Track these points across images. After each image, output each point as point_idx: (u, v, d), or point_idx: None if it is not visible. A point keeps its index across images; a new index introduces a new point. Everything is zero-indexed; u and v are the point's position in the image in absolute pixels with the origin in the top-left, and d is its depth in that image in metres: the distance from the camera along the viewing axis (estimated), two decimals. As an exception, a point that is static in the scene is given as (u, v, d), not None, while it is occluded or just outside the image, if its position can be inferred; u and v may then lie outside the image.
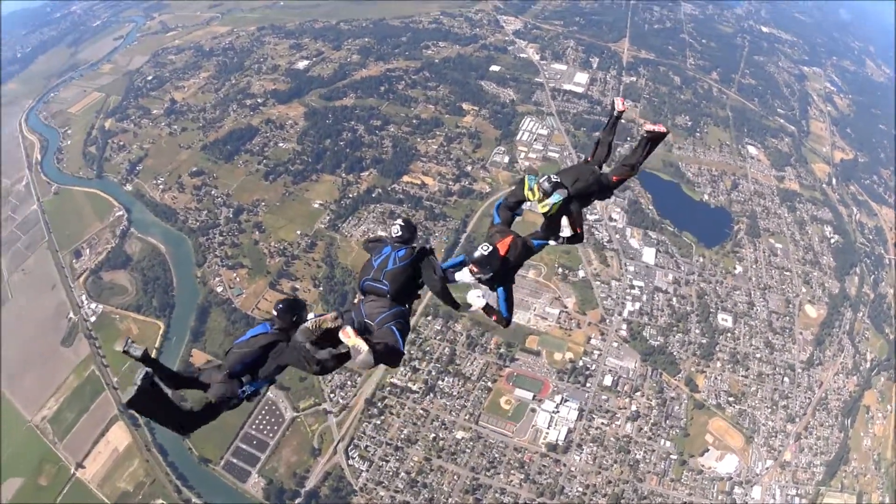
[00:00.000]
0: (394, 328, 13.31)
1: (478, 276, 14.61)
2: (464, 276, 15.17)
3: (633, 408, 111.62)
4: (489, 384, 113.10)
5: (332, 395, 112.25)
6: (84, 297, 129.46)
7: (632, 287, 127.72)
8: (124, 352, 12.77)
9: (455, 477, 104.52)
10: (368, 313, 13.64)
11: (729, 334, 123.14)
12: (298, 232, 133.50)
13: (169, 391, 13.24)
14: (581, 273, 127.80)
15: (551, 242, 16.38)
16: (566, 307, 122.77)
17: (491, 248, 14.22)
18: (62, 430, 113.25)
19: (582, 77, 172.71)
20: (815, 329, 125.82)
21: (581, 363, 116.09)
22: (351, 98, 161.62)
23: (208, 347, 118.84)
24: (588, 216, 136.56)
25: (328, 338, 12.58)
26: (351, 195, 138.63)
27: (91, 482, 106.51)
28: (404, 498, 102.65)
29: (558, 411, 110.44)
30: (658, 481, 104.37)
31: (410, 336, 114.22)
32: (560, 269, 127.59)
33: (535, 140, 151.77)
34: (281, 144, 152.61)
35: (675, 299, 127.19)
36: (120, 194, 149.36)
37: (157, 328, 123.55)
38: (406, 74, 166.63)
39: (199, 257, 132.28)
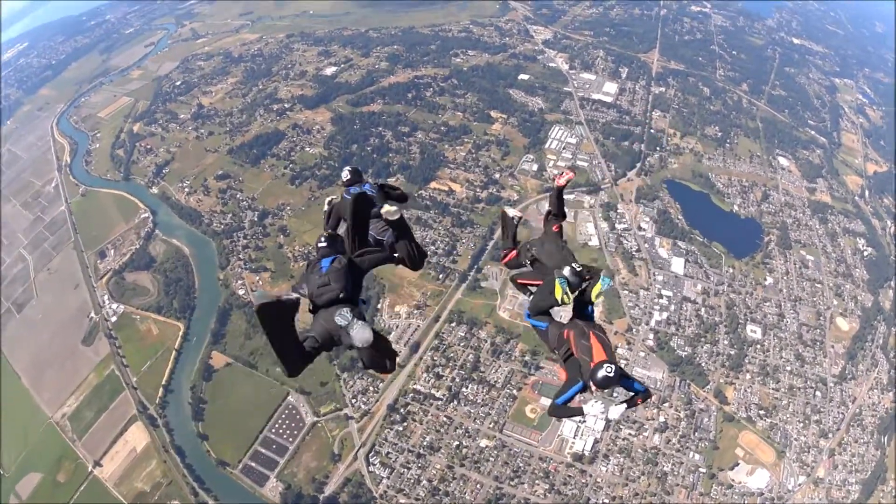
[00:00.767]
0: None
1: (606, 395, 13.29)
2: (595, 408, 13.86)
3: (661, 419, 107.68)
4: (514, 392, 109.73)
5: (353, 401, 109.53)
6: (106, 298, 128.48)
7: (660, 296, 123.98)
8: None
9: (478, 486, 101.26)
10: None
11: (758, 346, 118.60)
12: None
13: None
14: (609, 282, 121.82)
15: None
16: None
17: (613, 366, 12.94)
18: (81, 427, 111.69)
19: (611, 87, 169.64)
20: (846, 342, 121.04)
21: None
22: (378, 104, 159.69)
23: (228, 350, 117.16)
24: (617, 225, 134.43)
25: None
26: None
27: (108, 481, 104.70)
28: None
29: (584, 421, 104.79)
30: (686, 495, 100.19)
31: (434, 342, 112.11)
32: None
33: (564, 148, 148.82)
34: (308, 149, 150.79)
35: (703, 310, 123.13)
36: (146, 196, 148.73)
37: (176, 329, 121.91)
38: (434, 82, 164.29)
39: (222, 260, 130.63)
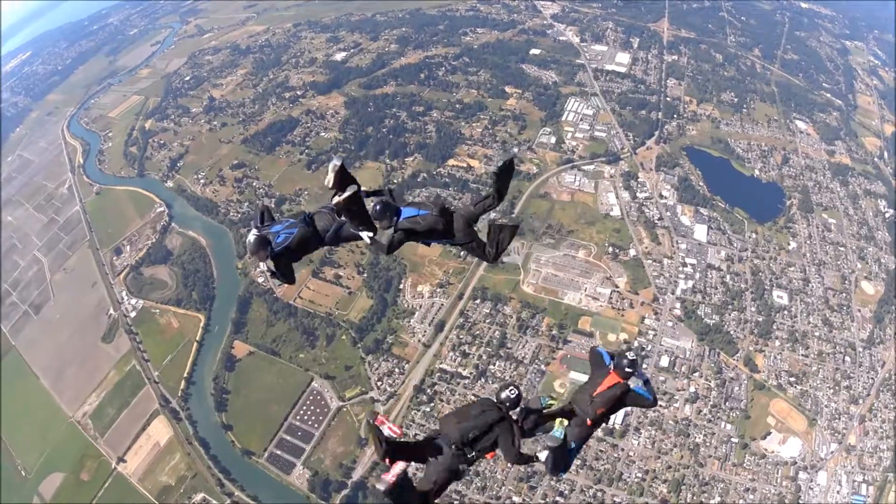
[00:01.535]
0: None
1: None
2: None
3: (692, 389, 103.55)
4: (542, 367, 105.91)
5: (379, 383, 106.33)
6: (124, 294, 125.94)
7: (684, 265, 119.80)
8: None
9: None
10: None
11: (786, 312, 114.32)
12: None
13: None
14: (632, 252, 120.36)
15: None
16: (617, 287, 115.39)
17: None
18: (103, 425, 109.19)
19: (623, 57, 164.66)
20: (873, 306, 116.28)
21: (636, 344, 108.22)
22: (391, 86, 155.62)
23: (250, 338, 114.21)
24: (638, 194, 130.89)
25: None
26: (395, 181, 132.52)
27: (132, 476, 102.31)
28: (455, 487, 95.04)
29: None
30: (720, 466, 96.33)
31: (459, 320, 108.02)
32: (610, 248, 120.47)
33: (581, 120, 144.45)
34: (323, 134, 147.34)
35: (728, 277, 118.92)
36: (161, 191, 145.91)
37: (197, 321, 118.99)
38: (446, 61, 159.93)
39: (240, 249, 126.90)
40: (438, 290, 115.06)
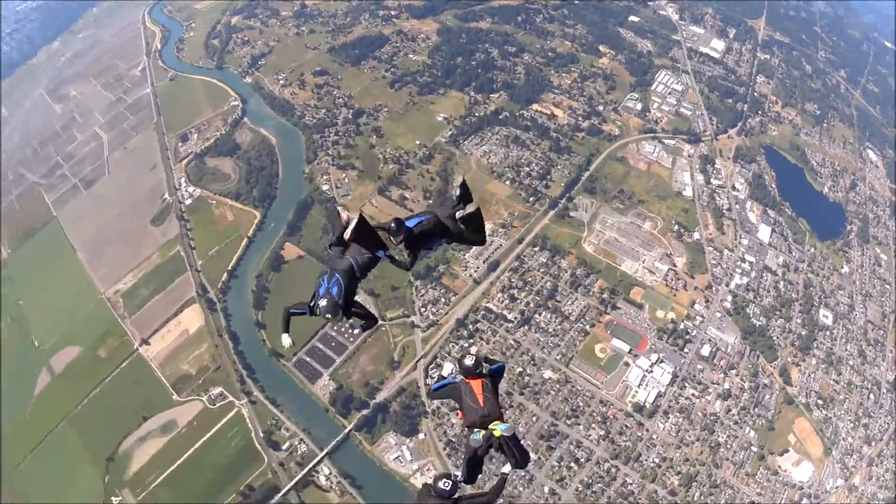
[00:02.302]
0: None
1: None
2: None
3: (726, 385, 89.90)
4: (587, 328, 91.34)
5: (422, 310, 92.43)
6: (183, 181, 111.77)
7: (743, 260, 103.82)
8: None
9: (534, 418, 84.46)
10: None
11: (828, 332, 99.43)
12: (417, 142, 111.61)
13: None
14: (696, 235, 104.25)
15: None
16: (675, 266, 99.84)
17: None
18: (134, 305, 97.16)
19: (718, 44, 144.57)
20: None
21: (682, 326, 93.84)
22: (487, 22, 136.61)
23: (303, 242, 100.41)
24: (712, 179, 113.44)
25: None
26: (477, 114, 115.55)
27: (153, 360, 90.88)
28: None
29: (652, 371, 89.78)
30: (734, 471, 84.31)
31: (513, 264, 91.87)
32: (676, 227, 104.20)
33: (670, 94, 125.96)
34: (411, 56, 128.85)
35: (782, 283, 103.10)
36: (238, 85, 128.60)
37: (252, 217, 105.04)
38: (545, 9, 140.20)
39: (310, 154, 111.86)
40: (500, 229, 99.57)
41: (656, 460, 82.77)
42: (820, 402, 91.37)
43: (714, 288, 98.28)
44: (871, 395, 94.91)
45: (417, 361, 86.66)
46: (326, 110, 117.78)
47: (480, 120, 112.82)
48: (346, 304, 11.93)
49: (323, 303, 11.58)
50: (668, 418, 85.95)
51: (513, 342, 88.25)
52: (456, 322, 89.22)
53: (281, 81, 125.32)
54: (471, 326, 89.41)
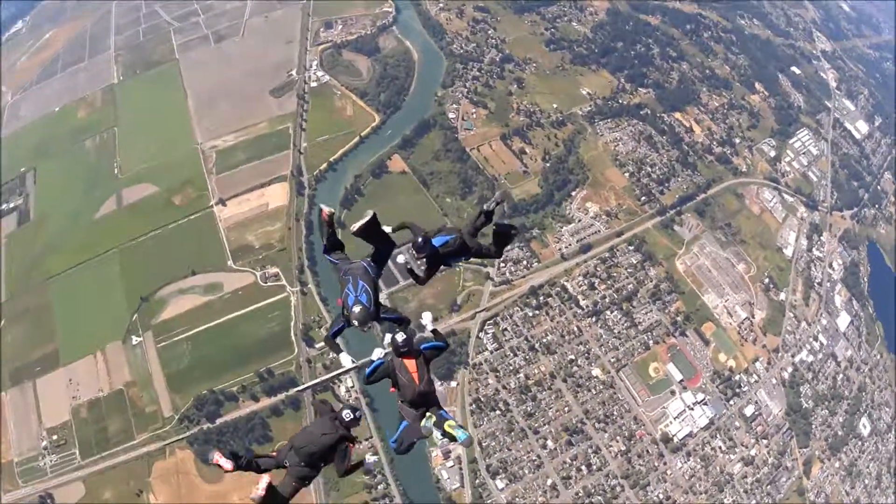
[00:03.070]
0: None
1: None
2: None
3: (753, 452, 76.25)
4: (650, 343, 77.42)
5: (502, 265, 78.30)
6: (315, 64, 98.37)
7: (815, 338, 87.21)
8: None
9: (566, 409, 72.15)
10: None
11: (860, 442, 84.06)
12: (555, 105, 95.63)
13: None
14: (782, 296, 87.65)
15: None
16: (753, 317, 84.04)
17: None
18: (225, 165, 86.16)
19: (863, 126, 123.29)
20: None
21: (737, 378, 79.00)
22: (657, 19, 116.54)
23: (411, 160, 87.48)
24: (814, 250, 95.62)
25: None
26: (620, 101, 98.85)
27: (223, 222, 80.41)
28: (507, 397, 69.17)
29: (692, 409, 76.06)
30: None
31: (604, 253, 78.16)
32: (767, 280, 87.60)
33: (804, 154, 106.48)
34: (575, 24, 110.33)
35: (841, 376, 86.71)
36: None
37: (371, 119, 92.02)
38: (715, 28, 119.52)
39: (447, 80, 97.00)
40: (604, 216, 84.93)
41: (661, 496, 70.52)
42: (825, 508, 77.01)
43: (780, 353, 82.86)
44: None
45: (478, 312, 74.24)
46: (476, 45, 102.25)
47: (621, 107, 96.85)
48: (376, 310, 9.99)
49: (357, 309, 9.65)
50: (688, 460, 73.00)
51: (575, 328, 75.23)
52: (529, 289, 76.34)
53: (440, 4, 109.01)
54: (542, 298, 76.33)
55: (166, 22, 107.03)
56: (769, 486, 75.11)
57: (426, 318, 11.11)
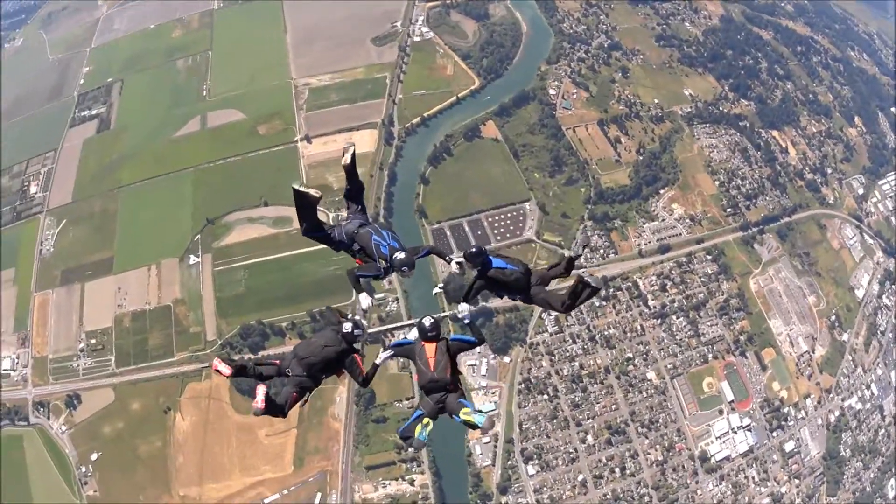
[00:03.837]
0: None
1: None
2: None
3: (783, 489, 65.58)
4: (709, 356, 66.60)
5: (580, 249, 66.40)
6: (421, 19, 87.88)
7: (868, 387, 74.90)
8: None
9: (613, 406, 62.56)
10: None
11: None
12: (656, 101, 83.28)
13: None
14: (845, 337, 75.29)
15: None
16: (813, 352, 72.11)
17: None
18: (317, 103, 77.43)
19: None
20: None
21: (786, 410, 68.08)
22: (769, 34, 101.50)
23: (505, 129, 77.15)
24: (885, 298, 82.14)
25: None
26: (721, 108, 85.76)
27: (305, 158, 72.57)
28: (557, 383, 60.28)
29: (736, 433, 65.28)
30: None
31: (681, 258, 68.29)
32: (833, 317, 75.25)
33: (891, 197, 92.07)
34: (687, 24, 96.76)
35: (882, 431, 74.55)
36: None
37: (471, 82, 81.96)
38: (825, 54, 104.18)
39: (552, 56, 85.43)
40: (688, 220, 73.29)
41: (687, 513, 59.57)
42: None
43: (831, 395, 71.11)
44: None
45: (547, 291, 65.22)
46: (586, 28, 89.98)
47: (721, 115, 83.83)
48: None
49: (401, 256, 8.67)
50: (720, 484, 63.21)
51: (639, 327, 65.03)
52: (601, 278, 66.73)
53: None
54: (611, 290, 66.22)
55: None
56: (784, 530, 63.87)
57: (463, 309, 9.29)
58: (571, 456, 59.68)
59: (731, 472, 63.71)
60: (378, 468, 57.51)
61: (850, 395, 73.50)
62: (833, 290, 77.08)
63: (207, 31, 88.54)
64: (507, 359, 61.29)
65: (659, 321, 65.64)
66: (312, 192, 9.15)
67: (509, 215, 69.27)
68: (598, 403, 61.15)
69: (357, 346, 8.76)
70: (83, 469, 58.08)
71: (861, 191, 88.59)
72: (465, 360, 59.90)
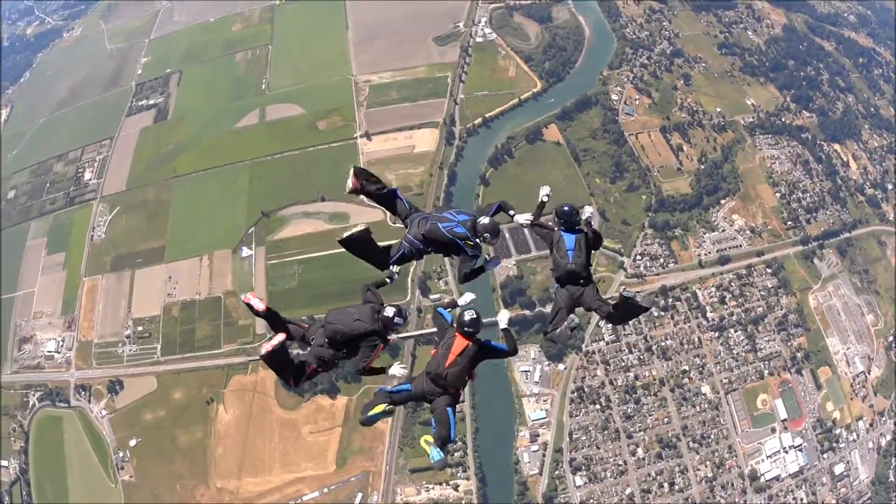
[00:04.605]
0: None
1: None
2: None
3: None
4: (765, 372, 59.61)
5: (638, 257, 62.66)
6: (484, 20, 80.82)
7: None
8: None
9: (665, 419, 56.63)
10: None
11: None
12: (718, 109, 75.54)
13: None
14: (902, 360, 66.16)
15: None
16: (869, 373, 64.14)
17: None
18: (377, 100, 71.62)
19: None
20: None
21: (837, 432, 60.51)
22: (831, 45, 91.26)
23: (567, 133, 70.23)
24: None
25: None
26: (783, 119, 77.46)
27: (364, 155, 66.53)
28: (609, 392, 54.22)
29: (787, 452, 58.46)
30: None
31: (741, 270, 60.49)
32: (892, 338, 66.43)
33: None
34: (749, 33, 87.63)
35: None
36: None
37: (533, 85, 75.01)
38: (887, 67, 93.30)
39: (614, 61, 78.20)
40: (748, 231, 66.17)
41: (729, 537, 54.74)
42: None
43: (884, 419, 63.50)
44: None
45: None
46: (649, 34, 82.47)
47: (783, 126, 75.92)
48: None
49: (484, 220, 7.60)
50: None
51: (696, 339, 58.64)
52: (660, 288, 59.82)
53: None
54: (670, 300, 59.82)
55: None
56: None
57: (503, 317, 7.83)
58: (620, 468, 53.74)
59: (779, 493, 57.07)
60: (422, 471, 52.40)
61: (903, 430, 64.94)
62: (891, 310, 69.00)
63: (268, 25, 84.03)
64: (561, 366, 55.56)
65: (717, 334, 59.18)
66: (356, 230, 7.94)
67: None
68: (650, 416, 55.02)
69: (390, 335, 7.56)
70: (121, 454, 54.64)
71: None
72: (519, 366, 54.73)
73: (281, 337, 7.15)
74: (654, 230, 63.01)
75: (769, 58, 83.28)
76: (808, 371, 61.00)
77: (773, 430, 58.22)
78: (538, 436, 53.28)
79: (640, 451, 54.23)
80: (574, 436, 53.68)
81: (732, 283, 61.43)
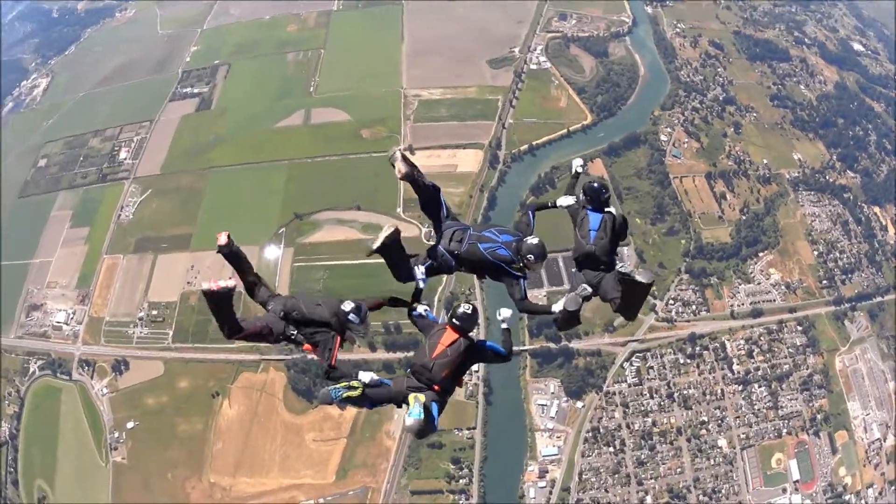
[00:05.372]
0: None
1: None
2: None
3: None
4: (783, 431, 54.31)
5: (670, 303, 57.26)
6: (540, 48, 75.90)
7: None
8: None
9: (678, 469, 51.79)
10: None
11: None
12: (765, 161, 69.34)
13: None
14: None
15: None
16: (885, 440, 57.80)
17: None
18: (425, 115, 67.01)
19: None
20: None
21: (847, 498, 54.54)
22: (881, 106, 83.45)
23: (613, 168, 65.07)
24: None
25: None
26: (827, 177, 70.84)
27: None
28: (625, 436, 49.44)
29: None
30: None
31: (772, 325, 54.37)
32: None
33: None
34: (802, 87, 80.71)
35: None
36: (637, 8, 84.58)
37: (583, 117, 69.51)
38: None
39: (667, 102, 72.45)
40: (783, 286, 60.66)
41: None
42: None
43: (894, 488, 57.34)
44: None
45: (631, 341, 53.30)
46: (703, 78, 76.84)
47: (827, 184, 69.72)
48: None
49: (533, 241, 6.44)
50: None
51: (719, 391, 53.68)
52: (690, 335, 54.39)
53: (677, 29, 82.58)
54: (697, 349, 54.81)
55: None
56: None
57: (504, 313, 6.73)
58: (626, 512, 47.99)
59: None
60: (423, 493, 48.26)
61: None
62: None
63: (323, 29, 79.92)
64: (579, 404, 51.09)
65: (740, 387, 54.47)
66: (388, 231, 6.76)
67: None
68: (663, 464, 50.34)
69: (348, 332, 6.51)
70: (116, 434, 50.83)
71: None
72: (536, 400, 49.58)
73: (231, 284, 6.22)
74: (689, 276, 58.20)
75: (820, 114, 77.12)
76: (826, 434, 55.73)
77: (784, 491, 53.12)
78: (547, 472, 49.08)
79: (648, 500, 49.64)
80: (584, 476, 49.19)
81: (762, 338, 56.34)
